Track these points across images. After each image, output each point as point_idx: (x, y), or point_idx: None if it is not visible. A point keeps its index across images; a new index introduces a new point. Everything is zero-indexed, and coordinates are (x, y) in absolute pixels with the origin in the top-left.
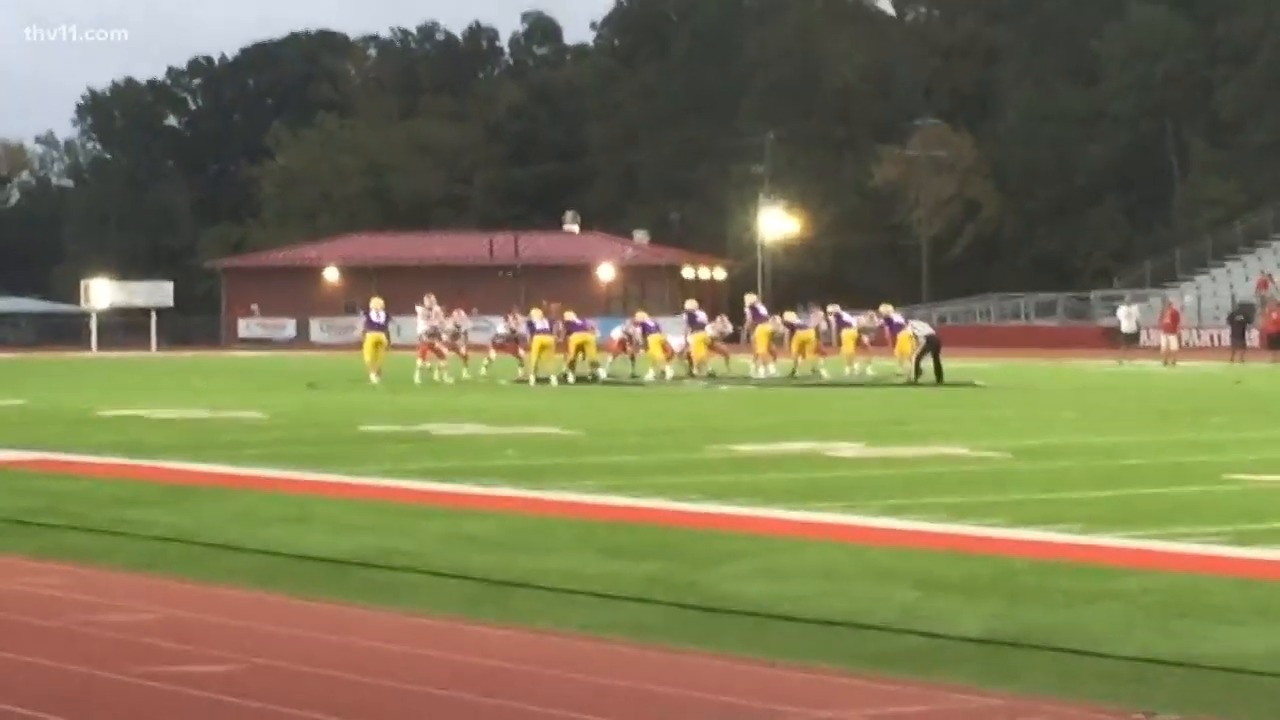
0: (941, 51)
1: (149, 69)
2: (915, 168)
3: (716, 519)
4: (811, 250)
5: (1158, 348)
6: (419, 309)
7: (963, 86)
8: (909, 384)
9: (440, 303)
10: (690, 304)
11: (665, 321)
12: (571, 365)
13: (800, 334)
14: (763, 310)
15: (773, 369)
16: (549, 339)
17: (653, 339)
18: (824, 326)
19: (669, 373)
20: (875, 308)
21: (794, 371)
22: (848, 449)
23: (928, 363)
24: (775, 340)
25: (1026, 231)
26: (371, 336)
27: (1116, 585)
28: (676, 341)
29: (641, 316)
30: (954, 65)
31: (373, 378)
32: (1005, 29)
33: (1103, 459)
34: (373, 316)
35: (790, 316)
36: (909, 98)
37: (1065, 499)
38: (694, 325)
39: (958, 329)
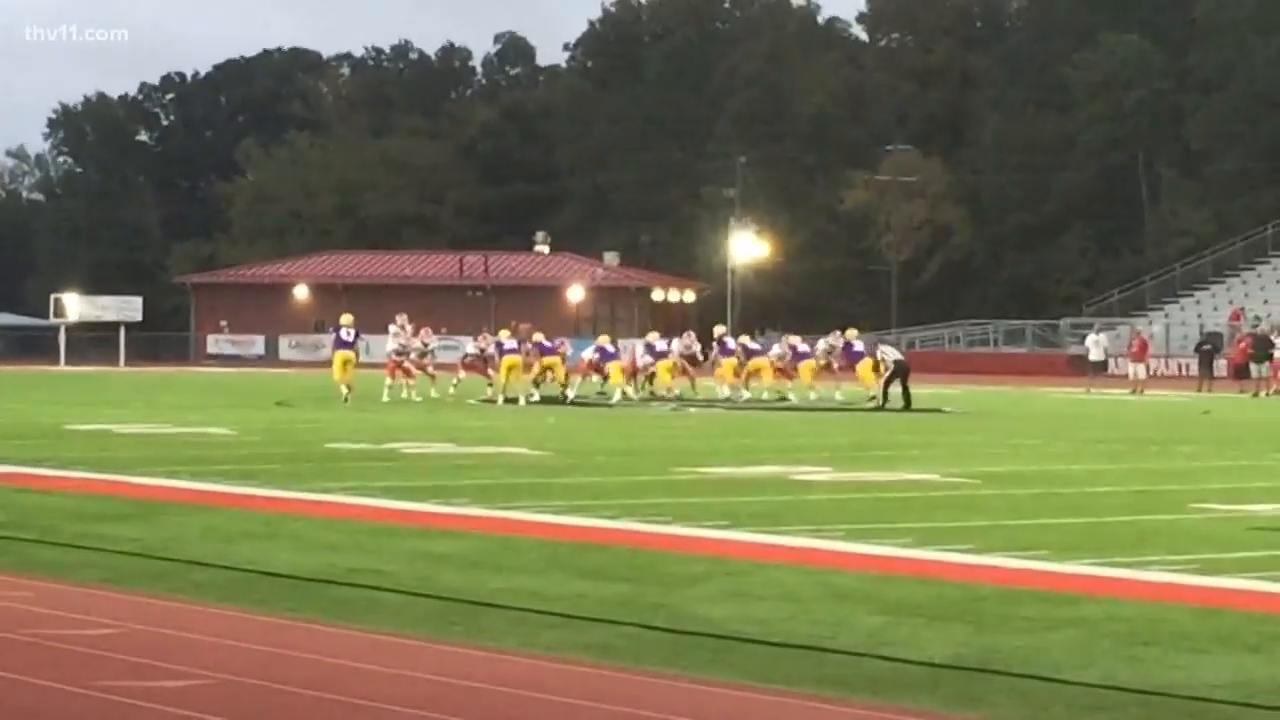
0: (914, 77)
1: (121, 84)
2: (886, 193)
3: (684, 541)
4: (782, 274)
5: (1126, 376)
6: (391, 328)
7: (935, 112)
8: (877, 409)
9: (410, 322)
10: (652, 335)
11: (632, 343)
12: (536, 384)
13: (753, 361)
14: (730, 344)
15: (744, 392)
16: (517, 359)
17: (612, 366)
18: (787, 355)
19: (631, 393)
20: (842, 330)
21: (750, 396)
22: (816, 473)
23: (896, 388)
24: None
25: (996, 258)
26: (340, 354)
27: (1081, 612)
28: (643, 360)
29: (602, 342)
30: (926, 91)
31: (343, 392)
32: (978, 56)
33: (1070, 487)
34: (342, 334)
35: (745, 340)
36: (881, 123)
37: (1032, 526)
38: (654, 355)
39: (927, 355)
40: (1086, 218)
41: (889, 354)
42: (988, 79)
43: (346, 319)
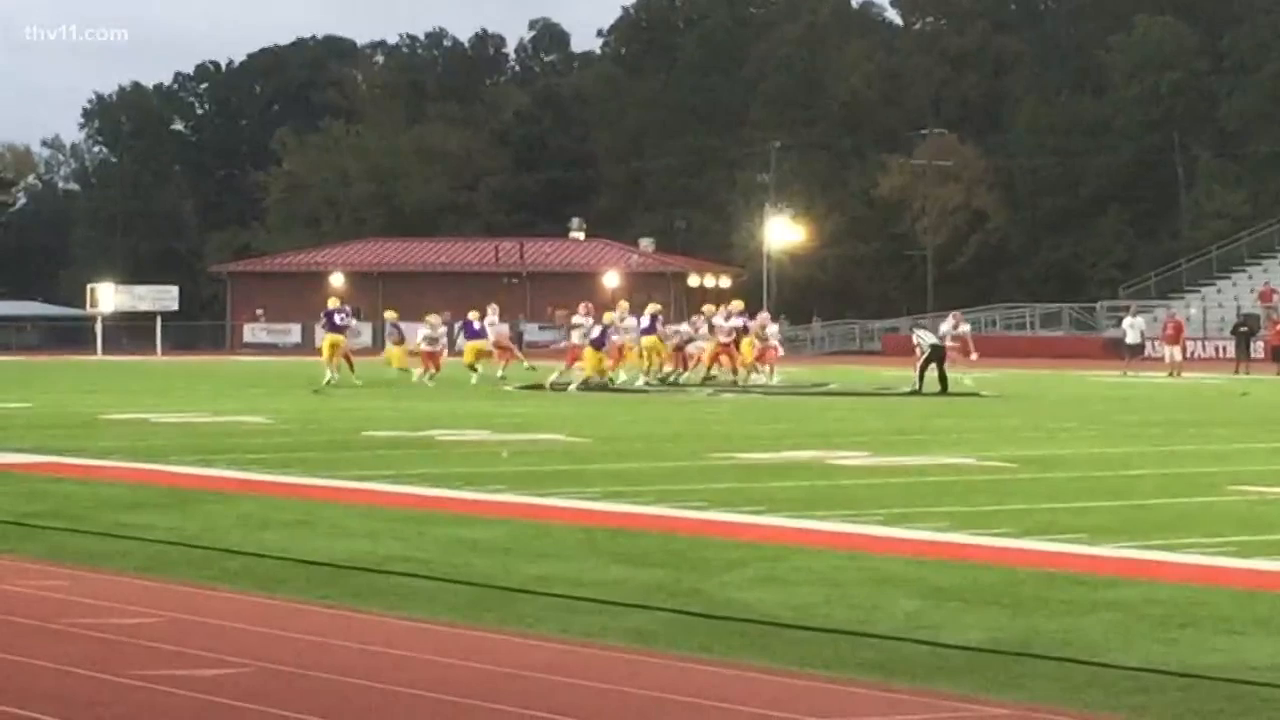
0: (949, 61)
1: (156, 73)
2: (921, 177)
3: (721, 526)
4: (817, 259)
5: (1162, 359)
6: (432, 319)
7: (970, 96)
8: (913, 394)
9: (445, 309)
10: (653, 307)
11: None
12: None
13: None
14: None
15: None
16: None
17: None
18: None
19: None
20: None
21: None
22: (852, 458)
23: (932, 373)
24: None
25: (1032, 242)
26: (330, 338)
27: (1119, 595)
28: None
29: (653, 310)
30: (961, 75)
31: (327, 375)
32: (1013, 39)
33: (1107, 469)
34: (335, 319)
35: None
36: (916, 107)
37: (1069, 509)
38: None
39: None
40: (1122, 201)
41: (925, 338)
42: (1023, 62)
43: (334, 302)
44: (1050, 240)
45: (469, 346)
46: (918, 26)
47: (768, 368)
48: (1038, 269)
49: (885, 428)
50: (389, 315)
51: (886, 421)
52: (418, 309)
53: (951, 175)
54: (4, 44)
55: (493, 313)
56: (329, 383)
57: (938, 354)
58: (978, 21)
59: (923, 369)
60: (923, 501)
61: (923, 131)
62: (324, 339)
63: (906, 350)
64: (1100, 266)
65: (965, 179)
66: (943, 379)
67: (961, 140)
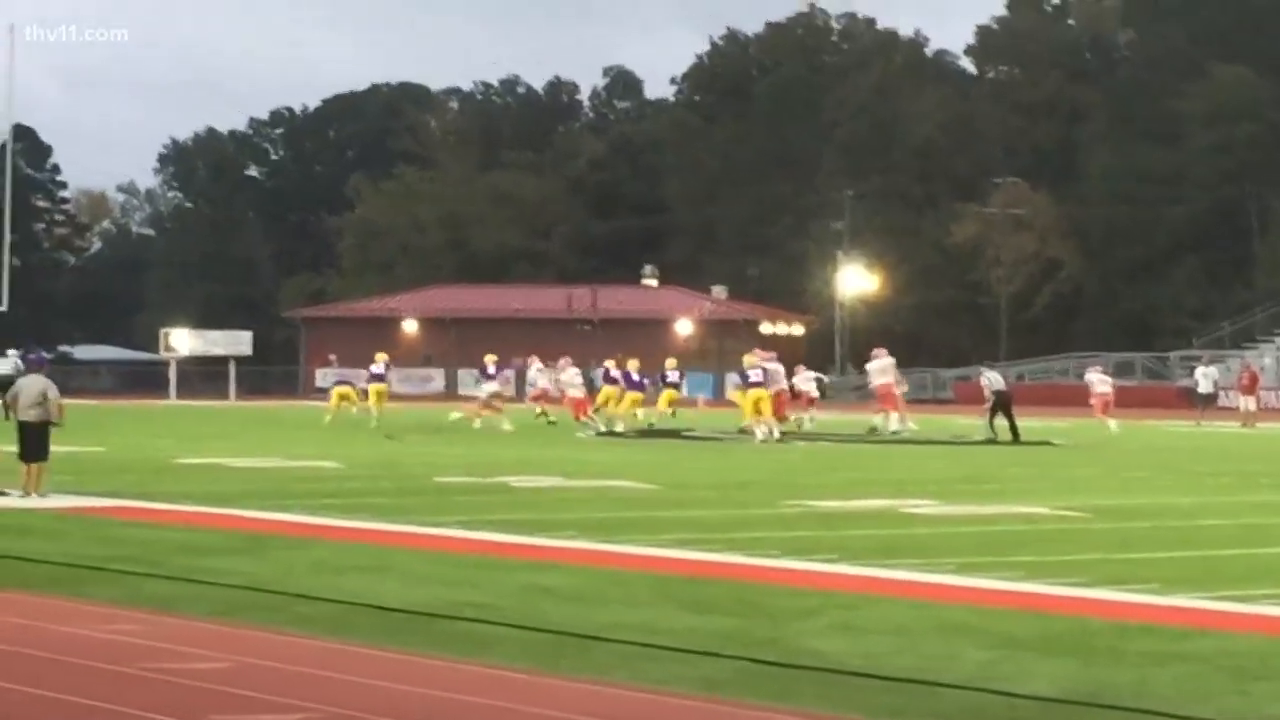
0: (1023, 110)
1: (232, 119)
2: (995, 226)
3: (793, 575)
4: (890, 307)
5: (1236, 409)
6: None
7: (1043, 145)
8: (988, 442)
9: (516, 356)
10: (628, 363)
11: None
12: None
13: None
14: (754, 376)
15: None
16: (613, 391)
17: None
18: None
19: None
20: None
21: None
22: (925, 506)
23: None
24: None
25: (1106, 291)
26: (374, 387)
27: (1193, 647)
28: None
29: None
30: (1035, 124)
31: (372, 421)
32: (1087, 88)
33: (1180, 520)
34: (373, 369)
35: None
36: (989, 155)
37: (1142, 559)
38: (631, 386)
39: (1036, 387)
40: (1196, 250)
41: (993, 380)
42: (1096, 111)
43: (381, 356)
44: (1124, 289)
45: (628, 397)
46: (991, 75)
47: (807, 414)
48: (1111, 318)
49: (957, 476)
50: (489, 359)
51: (959, 469)
52: (497, 355)
53: (1025, 224)
54: (80, 90)
55: (566, 363)
56: (374, 425)
57: (1004, 400)
58: (1051, 70)
59: (992, 415)
60: (995, 550)
61: (996, 180)
62: (370, 389)
63: (979, 398)
64: (1174, 315)
65: (1038, 227)
66: (1013, 427)
67: (1035, 189)
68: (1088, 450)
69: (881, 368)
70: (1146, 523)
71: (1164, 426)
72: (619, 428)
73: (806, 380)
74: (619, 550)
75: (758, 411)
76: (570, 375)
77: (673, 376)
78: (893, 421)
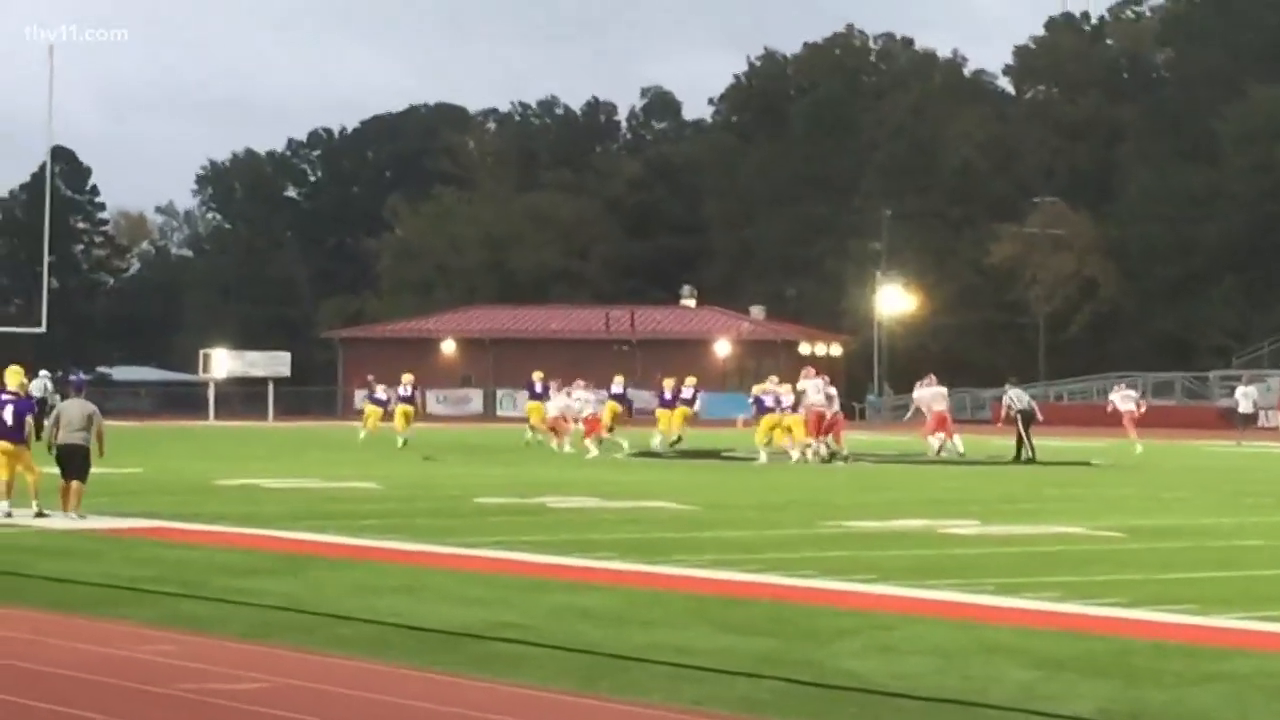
0: (1061, 130)
1: (270, 140)
2: (1033, 246)
3: (830, 595)
4: (928, 327)
5: (1276, 429)
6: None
7: (1082, 165)
8: (1029, 461)
9: (554, 378)
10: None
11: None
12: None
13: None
14: (768, 401)
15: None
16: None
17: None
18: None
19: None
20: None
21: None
22: (963, 527)
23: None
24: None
25: (1144, 310)
26: (401, 408)
27: (1231, 667)
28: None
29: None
30: (1073, 143)
31: (399, 441)
32: (1125, 108)
33: (1220, 540)
34: (400, 390)
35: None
36: (1027, 176)
37: (1181, 579)
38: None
39: (1074, 407)
40: (1235, 269)
41: (1017, 399)
42: (1135, 131)
43: (407, 378)
44: (1162, 309)
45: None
46: (1029, 95)
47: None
48: (1150, 338)
49: (995, 496)
50: (536, 376)
51: (997, 490)
52: (527, 376)
53: (1063, 244)
54: (119, 112)
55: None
56: (401, 446)
57: (1028, 418)
58: (1089, 90)
59: (1018, 435)
60: (1034, 571)
61: (1034, 200)
62: (397, 409)
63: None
64: (1213, 335)
65: (1077, 247)
66: (1031, 447)
67: (1073, 208)
68: (1126, 471)
69: (934, 395)
70: (1185, 543)
71: (1203, 447)
72: (655, 444)
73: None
74: (656, 571)
75: (771, 434)
76: (580, 395)
77: (685, 393)
78: (936, 442)
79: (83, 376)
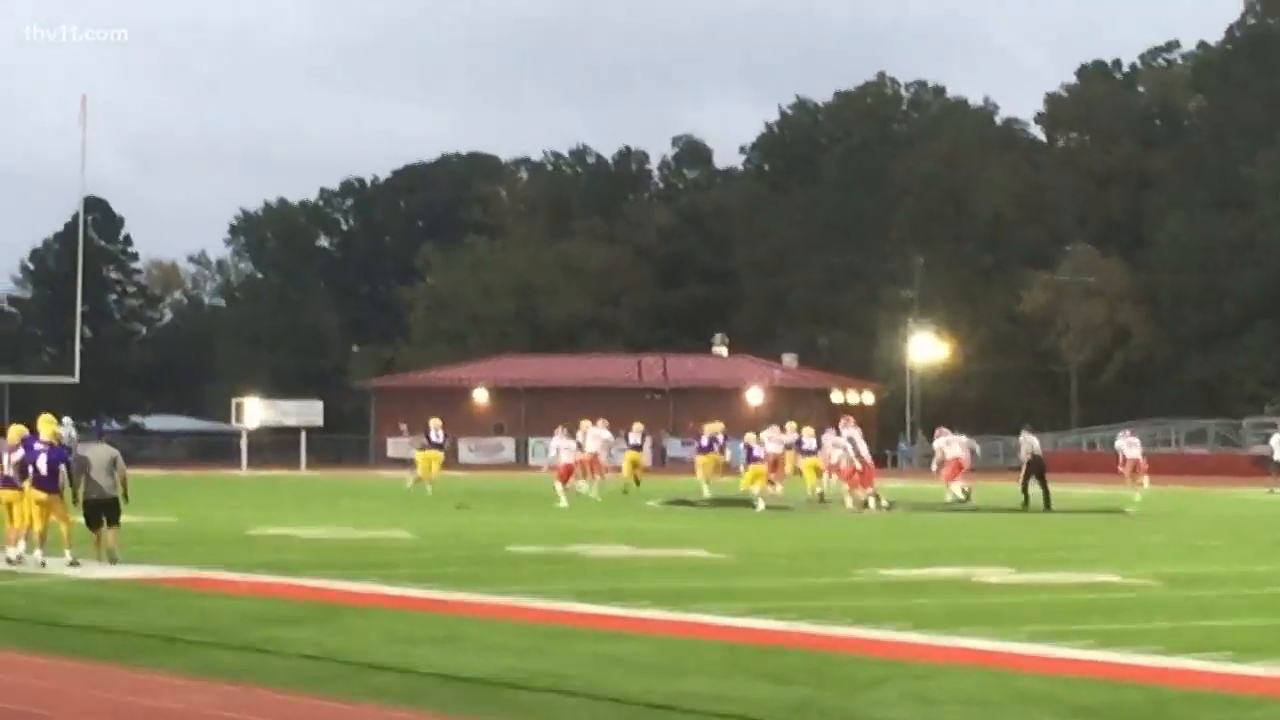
0: (1093, 177)
1: (302, 190)
2: (1065, 293)
3: (864, 644)
4: (960, 375)
5: None
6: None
7: (1114, 212)
8: (1020, 509)
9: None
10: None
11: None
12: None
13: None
14: (758, 451)
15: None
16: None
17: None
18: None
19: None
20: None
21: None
22: (996, 574)
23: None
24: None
25: (1177, 358)
26: (428, 454)
27: (1267, 714)
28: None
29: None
30: (1105, 191)
31: (426, 488)
32: (1157, 156)
33: (1254, 588)
34: (431, 436)
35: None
36: (1059, 223)
37: (1216, 627)
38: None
39: (1107, 455)
40: (1268, 317)
41: (1032, 445)
42: (1167, 179)
43: (435, 422)
44: (1195, 357)
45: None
46: (1061, 143)
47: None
48: (1183, 385)
49: (1029, 544)
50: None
51: (1030, 537)
52: (558, 424)
53: (1095, 291)
54: (151, 162)
55: (600, 426)
56: (424, 490)
57: (1039, 466)
58: (1121, 138)
59: (1026, 479)
60: (1068, 619)
61: (1066, 247)
62: (422, 455)
63: (1052, 465)
64: (1246, 383)
65: (1109, 295)
66: (1046, 494)
67: (1105, 256)
68: (1160, 518)
69: (947, 442)
70: (1220, 591)
71: (1237, 494)
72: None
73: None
74: (691, 619)
75: (754, 480)
76: (594, 433)
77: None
78: (955, 489)
79: (111, 425)
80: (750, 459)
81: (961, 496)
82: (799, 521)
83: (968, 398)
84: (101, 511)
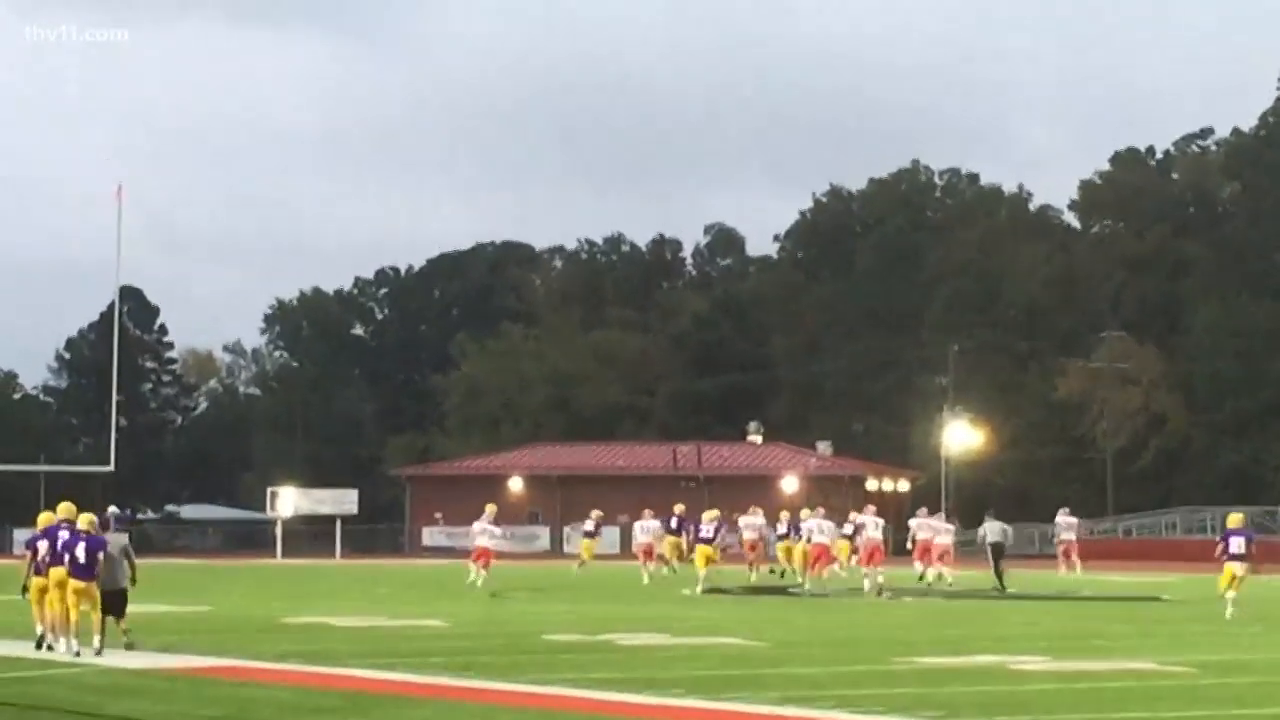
0: (1127, 264)
1: (336, 279)
2: (1100, 380)
3: None
4: (995, 462)
5: None
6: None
7: (1148, 299)
8: (998, 594)
9: (622, 513)
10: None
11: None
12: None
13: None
14: (704, 531)
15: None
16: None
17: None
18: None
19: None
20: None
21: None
22: (1033, 663)
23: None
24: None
25: (1213, 444)
26: (589, 541)
27: None
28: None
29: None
30: (1139, 277)
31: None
32: (1191, 242)
33: None
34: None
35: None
36: (1093, 310)
37: (1254, 715)
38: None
39: (1143, 542)
40: None
41: (990, 531)
42: (1201, 265)
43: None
44: (1231, 443)
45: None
46: (1095, 230)
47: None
48: (1218, 472)
49: (1065, 631)
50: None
51: (1066, 625)
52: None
53: (1130, 378)
54: (186, 251)
55: (647, 516)
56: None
57: (998, 551)
58: (1155, 224)
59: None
60: (1105, 707)
61: (1101, 334)
62: (585, 542)
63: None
64: None
65: (1144, 382)
66: (998, 575)
67: (1140, 343)
68: (1196, 605)
69: (919, 525)
70: (1256, 678)
71: (1274, 581)
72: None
73: (753, 527)
74: (724, 708)
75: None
76: (641, 524)
77: (705, 530)
78: (930, 574)
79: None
80: (698, 539)
81: (926, 582)
82: (835, 610)
83: (1002, 485)
84: (112, 603)
